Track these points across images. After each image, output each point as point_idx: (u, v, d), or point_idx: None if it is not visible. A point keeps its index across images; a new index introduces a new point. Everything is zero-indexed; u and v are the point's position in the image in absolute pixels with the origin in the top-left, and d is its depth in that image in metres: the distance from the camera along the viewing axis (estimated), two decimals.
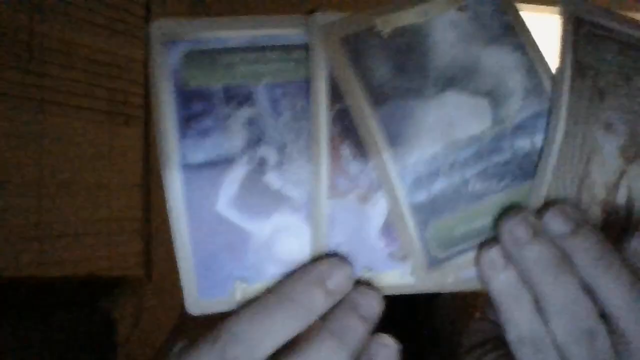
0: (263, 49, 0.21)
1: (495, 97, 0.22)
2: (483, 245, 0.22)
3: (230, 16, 0.22)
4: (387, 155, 0.22)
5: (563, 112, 0.22)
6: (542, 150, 0.22)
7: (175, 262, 0.21)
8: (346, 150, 0.22)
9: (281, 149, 0.21)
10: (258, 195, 0.21)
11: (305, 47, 0.22)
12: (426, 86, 0.22)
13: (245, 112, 0.21)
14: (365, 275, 0.22)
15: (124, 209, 1.45)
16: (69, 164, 1.29)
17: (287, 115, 0.22)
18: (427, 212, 0.22)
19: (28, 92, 1.19)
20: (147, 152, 1.51)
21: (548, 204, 0.22)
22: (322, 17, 0.22)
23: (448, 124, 0.22)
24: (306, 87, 0.22)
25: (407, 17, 0.22)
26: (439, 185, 0.22)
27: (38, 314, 1.10)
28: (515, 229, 0.21)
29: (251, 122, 0.21)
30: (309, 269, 0.21)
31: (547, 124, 0.22)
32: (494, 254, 0.22)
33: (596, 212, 0.23)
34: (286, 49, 0.22)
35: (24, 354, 1.08)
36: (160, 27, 0.21)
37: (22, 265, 1.18)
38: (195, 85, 0.21)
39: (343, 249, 0.22)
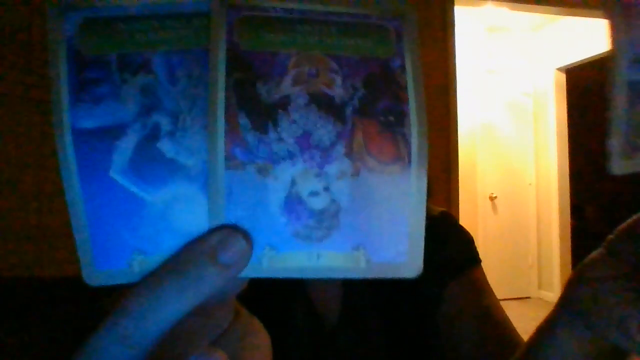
0: (162, 16, 0.21)
1: None
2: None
3: None
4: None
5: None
6: None
7: None
8: (244, 120, 0.21)
9: (175, 116, 0.21)
10: (152, 163, 0.21)
11: (206, 15, 0.21)
12: None
13: (140, 80, 0.21)
14: (267, 254, 0.21)
15: None
16: None
17: (183, 83, 0.21)
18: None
19: (28, 92, 1.19)
20: None
21: None
22: None
23: None
24: (205, 55, 0.21)
25: None
26: None
27: (38, 314, 1.10)
28: None
29: (145, 90, 0.21)
30: (202, 241, 0.20)
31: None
32: None
33: None
34: (187, 16, 0.21)
35: (24, 354, 1.08)
36: None
37: (22, 265, 1.18)
38: (91, 53, 0.21)
39: (243, 224, 0.21)
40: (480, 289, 0.56)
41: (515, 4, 2.53)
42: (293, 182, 0.21)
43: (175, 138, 0.21)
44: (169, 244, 0.21)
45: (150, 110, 0.21)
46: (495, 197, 4.07)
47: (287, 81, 0.22)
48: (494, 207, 3.87)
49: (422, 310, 0.55)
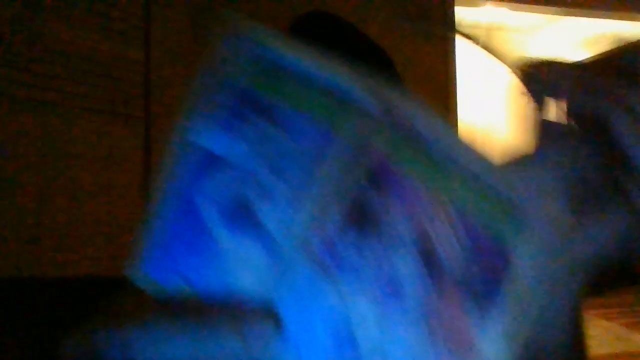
0: (313, 83, 0.21)
1: None
2: None
3: (302, 45, 0.21)
4: None
5: None
6: None
7: None
8: (334, 213, 0.21)
9: (278, 177, 0.21)
10: (237, 210, 0.20)
11: (351, 103, 0.21)
12: None
13: (265, 126, 0.21)
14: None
15: (124, 209, 1.45)
16: (68, 164, 1.29)
17: (299, 150, 0.21)
18: None
19: (28, 92, 1.19)
20: (147, 152, 1.51)
21: None
22: (377, 87, 0.21)
23: None
24: (333, 138, 0.21)
25: None
26: None
27: (38, 314, 1.10)
28: None
29: (265, 138, 0.21)
30: (236, 311, 0.20)
31: None
32: None
33: None
34: (333, 94, 0.21)
35: (24, 354, 1.08)
36: (232, 21, 0.21)
37: (22, 265, 1.18)
38: (236, 82, 0.21)
39: (285, 315, 0.21)
40: None
41: (515, 4, 2.53)
42: (353, 308, 0.20)
43: (267, 197, 0.20)
44: (214, 289, 0.21)
45: (260, 158, 0.20)
46: None
47: (399, 208, 0.20)
48: None
49: None
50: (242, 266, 0.20)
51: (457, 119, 2.35)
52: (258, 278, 0.20)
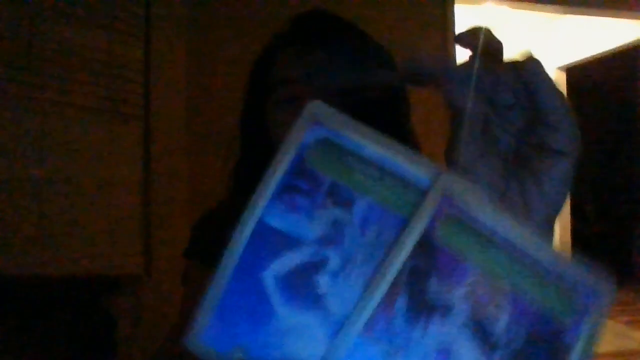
0: (385, 171, 0.22)
1: None
2: None
3: (376, 132, 0.22)
4: None
5: None
6: None
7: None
8: (401, 304, 0.21)
9: (347, 261, 0.21)
10: (302, 288, 0.21)
11: (422, 193, 0.22)
12: None
13: (337, 212, 0.22)
14: None
15: (124, 207, 1.45)
16: (68, 163, 1.29)
17: (370, 237, 0.21)
18: None
19: (28, 92, 1.19)
20: (147, 151, 1.51)
21: None
22: (447, 177, 0.22)
23: None
24: (401, 225, 0.21)
25: None
26: None
27: (38, 314, 1.10)
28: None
29: (336, 224, 0.22)
30: None
31: None
32: None
33: None
34: (405, 183, 0.22)
35: (24, 353, 1.08)
36: (315, 108, 0.22)
37: (22, 265, 1.18)
38: (312, 168, 0.22)
39: None
40: None
41: (516, 3, 2.53)
42: None
43: (335, 279, 0.21)
44: (272, 357, 0.21)
45: (330, 243, 0.21)
46: None
47: (459, 293, 0.21)
48: None
49: None
50: (299, 336, 0.21)
51: None
52: (314, 349, 0.21)
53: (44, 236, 1.21)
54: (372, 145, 0.22)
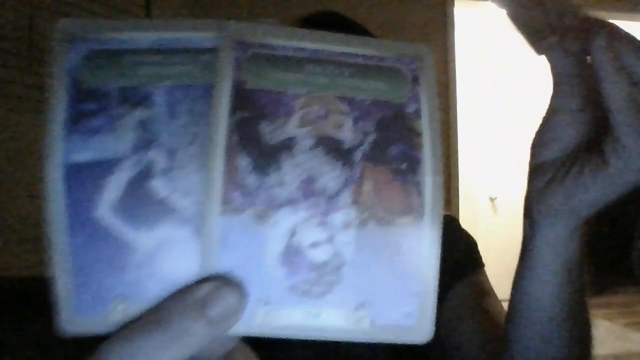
0: (169, 51, 0.21)
1: None
2: None
3: (138, 20, 0.21)
4: None
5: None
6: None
7: None
8: (244, 161, 0.20)
9: (172, 153, 0.20)
10: (142, 203, 0.19)
11: (214, 51, 0.21)
12: None
13: (139, 114, 0.20)
14: (261, 309, 0.19)
15: None
16: None
17: (183, 119, 0.20)
18: None
19: (28, 92, 1.19)
20: None
21: None
22: (234, 24, 0.21)
23: None
24: (209, 92, 0.20)
25: None
26: None
27: (38, 314, 1.10)
28: None
29: (144, 125, 0.20)
30: (189, 292, 0.18)
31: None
32: None
33: None
34: (194, 52, 0.21)
35: (25, 353, 1.08)
36: (64, 26, 0.21)
37: (22, 265, 1.18)
38: (92, 85, 0.20)
39: (236, 274, 0.19)
40: (482, 291, 0.56)
41: None
42: (293, 232, 0.20)
43: (170, 177, 0.19)
44: (155, 292, 0.19)
45: (147, 145, 0.20)
46: (496, 198, 4.09)
47: (294, 122, 0.20)
48: (494, 208, 3.88)
49: None
50: (168, 252, 0.19)
51: (457, 119, 2.36)
52: (189, 254, 0.19)
53: (44, 236, 1.21)
54: (143, 34, 0.21)
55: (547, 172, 0.32)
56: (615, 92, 0.25)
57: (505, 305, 0.54)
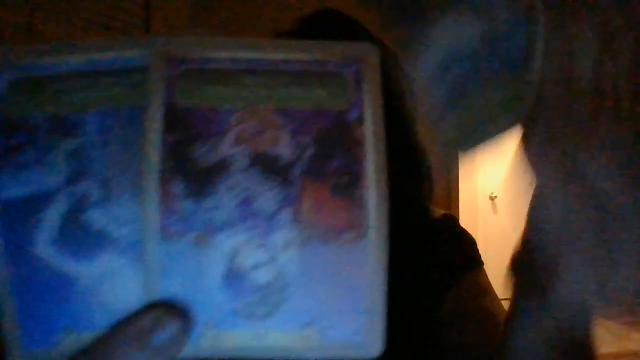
0: (98, 73, 0.20)
1: None
2: None
3: (64, 40, 0.20)
4: None
5: None
6: None
7: None
8: (179, 186, 0.19)
9: (105, 183, 0.19)
10: (79, 235, 0.19)
11: (144, 70, 0.20)
12: None
13: (69, 144, 0.19)
14: (207, 333, 0.19)
15: None
16: None
17: (115, 145, 0.19)
18: None
19: None
20: None
21: None
22: (163, 40, 0.20)
23: None
24: (140, 114, 0.19)
25: None
26: None
27: None
28: None
29: (75, 155, 0.19)
30: (131, 322, 0.18)
31: None
32: None
33: None
34: (123, 72, 0.20)
35: None
36: None
37: None
38: (19, 116, 0.20)
39: (180, 301, 0.19)
40: (482, 290, 0.55)
41: None
42: (234, 254, 0.19)
43: (106, 207, 0.19)
44: (102, 322, 0.19)
45: (80, 177, 0.19)
46: (496, 197, 4.08)
47: (228, 141, 0.20)
48: (494, 207, 3.86)
49: (423, 313, 0.56)
50: (110, 283, 0.19)
51: None
52: (132, 284, 0.19)
53: None
54: (69, 57, 0.20)
55: None
56: None
57: (505, 304, 0.55)
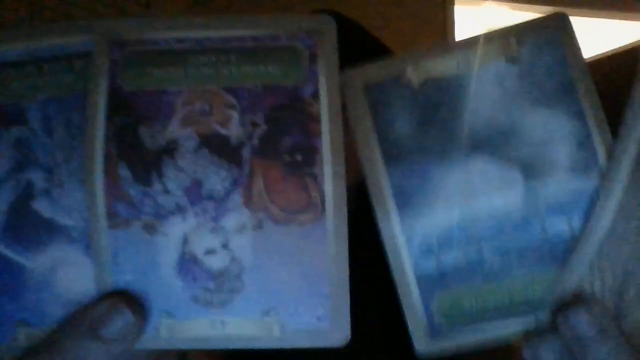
0: (42, 60, 0.19)
1: (532, 168, 0.19)
2: (528, 337, 0.19)
3: (9, 29, 0.20)
4: (395, 217, 0.19)
5: (617, 193, 0.18)
6: (581, 236, 0.19)
7: None
8: (125, 171, 0.19)
9: (50, 172, 0.19)
10: (27, 225, 0.19)
11: (88, 55, 0.19)
12: (451, 146, 0.20)
13: (13, 133, 0.19)
14: (165, 322, 0.18)
15: None
16: None
17: (60, 133, 0.19)
18: (434, 283, 0.19)
19: None
20: None
21: (576, 299, 0.19)
22: (106, 22, 0.20)
23: (469, 191, 0.19)
24: (84, 100, 0.19)
25: (443, 67, 0.20)
26: (451, 257, 0.19)
27: None
28: (580, 326, 0.18)
29: (19, 143, 0.19)
30: (82, 314, 0.18)
31: (594, 205, 0.19)
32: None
33: None
34: (68, 58, 0.19)
35: None
36: None
37: None
38: None
39: (134, 290, 0.18)
40: None
41: (515, 3, 2.53)
42: (185, 240, 0.19)
43: (52, 196, 0.19)
44: (55, 315, 0.18)
45: (24, 166, 0.19)
46: None
47: (175, 123, 0.19)
48: None
49: (392, 298, 0.54)
50: (63, 271, 0.19)
51: None
52: (83, 271, 0.19)
53: None
54: (13, 44, 0.20)
55: None
56: None
57: None
